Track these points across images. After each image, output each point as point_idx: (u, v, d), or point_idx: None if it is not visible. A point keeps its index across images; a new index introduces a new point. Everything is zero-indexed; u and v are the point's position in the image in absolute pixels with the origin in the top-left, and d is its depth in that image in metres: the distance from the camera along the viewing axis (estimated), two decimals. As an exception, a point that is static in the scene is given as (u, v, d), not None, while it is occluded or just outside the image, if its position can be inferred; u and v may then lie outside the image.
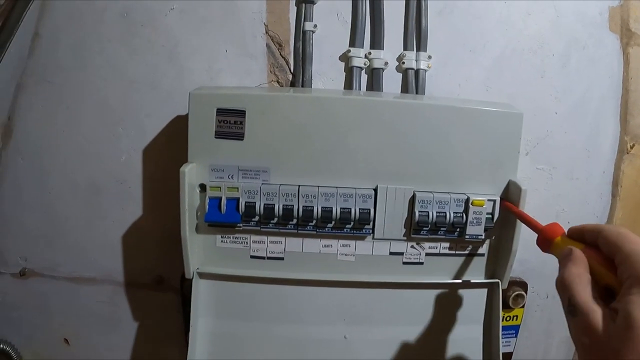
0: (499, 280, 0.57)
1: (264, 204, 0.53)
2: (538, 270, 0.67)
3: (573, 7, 0.64)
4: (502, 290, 0.57)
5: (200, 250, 0.56)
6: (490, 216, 0.55)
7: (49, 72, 0.63)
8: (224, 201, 0.53)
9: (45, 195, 0.65)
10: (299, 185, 0.54)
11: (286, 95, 0.56)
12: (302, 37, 0.61)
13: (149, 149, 0.64)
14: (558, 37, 0.64)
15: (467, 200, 0.54)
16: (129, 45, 0.62)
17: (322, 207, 0.54)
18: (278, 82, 0.63)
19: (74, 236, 0.66)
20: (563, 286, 0.35)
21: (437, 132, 0.54)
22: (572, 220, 0.68)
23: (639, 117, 0.67)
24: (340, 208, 0.54)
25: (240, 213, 0.53)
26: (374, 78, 0.62)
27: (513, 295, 0.64)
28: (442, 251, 0.57)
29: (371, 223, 0.55)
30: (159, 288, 0.67)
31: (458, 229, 0.55)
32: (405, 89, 0.63)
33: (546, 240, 0.42)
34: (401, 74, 0.63)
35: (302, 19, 0.61)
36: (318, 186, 0.54)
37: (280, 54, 0.62)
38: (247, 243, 0.56)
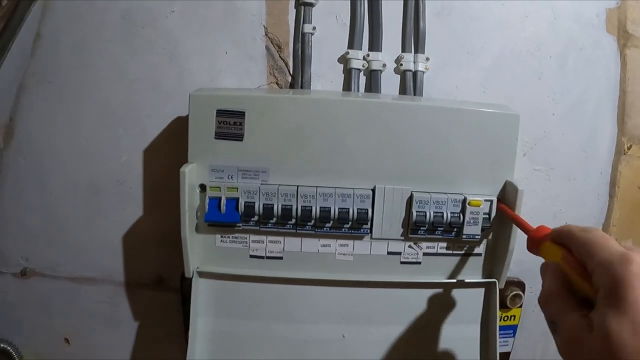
0: (496, 280, 0.57)
1: (263, 204, 0.54)
2: (535, 270, 0.66)
3: (570, 9, 0.64)
4: (500, 290, 0.58)
5: (200, 250, 0.57)
6: (487, 216, 0.55)
7: (50, 72, 0.63)
8: (223, 201, 0.54)
9: (47, 195, 0.66)
10: (298, 186, 0.54)
11: (285, 96, 0.56)
12: (301, 39, 0.62)
13: (150, 149, 0.64)
14: (555, 39, 0.64)
15: (464, 200, 0.54)
16: (129, 46, 0.62)
17: (320, 207, 0.54)
18: (277, 83, 0.63)
19: (74, 236, 0.67)
20: (542, 303, 0.35)
21: (434, 133, 0.54)
22: (569, 221, 0.68)
23: (636, 118, 0.67)
24: (339, 208, 0.54)
25: (240, 213, 0.54)
26: (372, 80, 0.62)
27: (510, 295, 0.64)
28: (440, 251, 0.57)
29: (369, 223, 0.55)
30: (159, 288, 0.68)
31: (455, 229, 0.55)
32: (403, 90, 0.63)
33: (533, 243, 0.42)
34: (399, 76, 0.63)
35: (301, 21, 0.61)
36: (316, 186, 0.54)
37: (280, 56, 0.63)
38: (246, 243, 0.57)
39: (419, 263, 0.58)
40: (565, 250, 0.36)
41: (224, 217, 0.54)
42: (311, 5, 0.61)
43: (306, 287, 0.57)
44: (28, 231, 0.67)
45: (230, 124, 0.54)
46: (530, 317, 0.71)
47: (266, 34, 0.62)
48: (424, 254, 0.57)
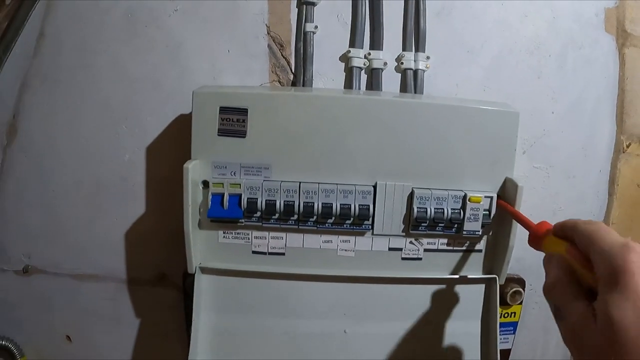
0: (496, 276, 0.58)
1: (266, 200, 0.54)
2: (535, 267, 0.68)
3: (569, 8, 0.65)
4: (500, 286, 0.58)
5: (202, 246, 0.57)
6: (487, 213, 0.56)
7: (53, 71, 0.64)
8: (226, 197, 0.54)
9: (49, 193, 0.66)
10: (300, 182, 0.55)
11: (288, 94, 0.57)
12: (303, 38, 0.62)
13: (152, 147, 0.65)
14: (554, 38, 0.65)
15: (465, 196, 0.55)
16: (132, 45, 0.63)
17: (322, 203, 0.54)
18: (279, 82, 0.64)
19: (76, 233, 0.67)
20: (546, 292, 0.35)
21: (435, 130, 0.55)
22: (569, 218, 0.68)
23: (634, 116, 0.68)
24: (340, 204, 0.55)
25: (243, 209, 0.54)
26: (374, 78, 0.63)
27: (511, 292, 0.64)
28: (440, 247, 0.58)
29: (370, 219, 0.55)
30: (161, 285, 0.68)
31: (456, 225, 0.56)
32: (404, 88, 0.64)
33: (536, 238, 0.43)
34: (400, 74, 0.64)
35: (303, 20, 0.62)
36: (318, 183, 0.55)
37: (282, 54, 0.63)
38: (248, 239, 0.57)
39: (420, 259, 0.58)
40: (569, 242, 0.37)
41: (227, 213, 0.55)
42: (313, 4, 0.62)
43: (308, 283, 0.58)
44: (30, 228, 0.67)
45: (233, 121, 0.54)
46: (531, 314, 0.71)
47: (268, 33, 0.63)
48: (425, 250, 0.58)
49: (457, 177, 0.56)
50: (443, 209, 0.55)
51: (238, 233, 0.57)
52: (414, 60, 0.63)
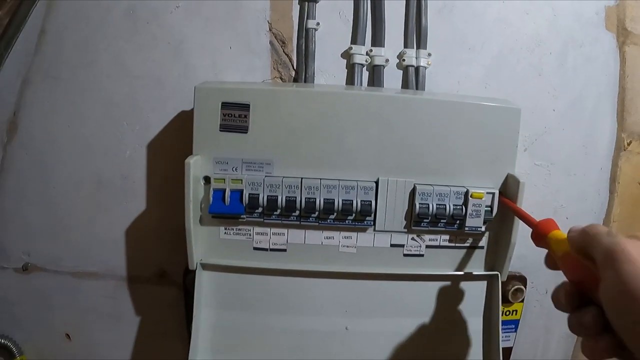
0: (498, 273, 0.58)
1: (268, 196, 0.54)
2: (537, 265, 0.67)
3: (570, 7, 0.65)
4: (502, 284, 0.58)
5: (203, 242, 0.57)
6: (489, 209, 0.56)
7: (54, 68, 0.64)
8: (227, 193, 0.54)
9: (49, 190, 0.66)
10: (302, 178, 0.55)
11: (290, 89, 0.57)
12: (305, 35, 0.62)
13: (153, 144, 0.64)
14: (555, 36, 0.65)
15: (467, 192, 0.55)
16: (134, 42, 0.63)
17: (324, 199, 0.54)
18: (281, 78, 0.64)
19: (76, 231, 0.67)
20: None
21: (437, 126, 0.55)
22: (570, 215, 0.68)
23: (635, 114, 0.68)
24: (342, 200, 0.55)
25: (244, 204, 0.54)
26: (375, 75, 0.63)
27: (512, 289, 0.64)
28: (442, 243, 0.58)
29: (372, 215, 0.55)
30: (161, 282, 0.68)
31: (458, 221, 0.56)
32: (405, 85, 0.64)
33: (539, 235, 0.43)
34: (401, 71, 0.64)
35: (305, 17, 0.62)
36: (320, 178, 0.55)
37: (284, 51, 0.63)
38: (250, 235, 0.57)
39: (422, 255, 0.58)
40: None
41: (228, 209, 0.54)
42: (315, 1, 0.62)
43: (309, 279, 0.58)
44: (30, 226, 0.67)
45: (235, 116, 0.54)
46: (532, 312, 0.71)
47: (270, 30, 0.63)
48: (427, 246, 0.58)
49: (459, 173, 0.56)
50: (445, 205, 0.55)
51: (239, 229, 0.57)
52: (416, 57, 0.63)
